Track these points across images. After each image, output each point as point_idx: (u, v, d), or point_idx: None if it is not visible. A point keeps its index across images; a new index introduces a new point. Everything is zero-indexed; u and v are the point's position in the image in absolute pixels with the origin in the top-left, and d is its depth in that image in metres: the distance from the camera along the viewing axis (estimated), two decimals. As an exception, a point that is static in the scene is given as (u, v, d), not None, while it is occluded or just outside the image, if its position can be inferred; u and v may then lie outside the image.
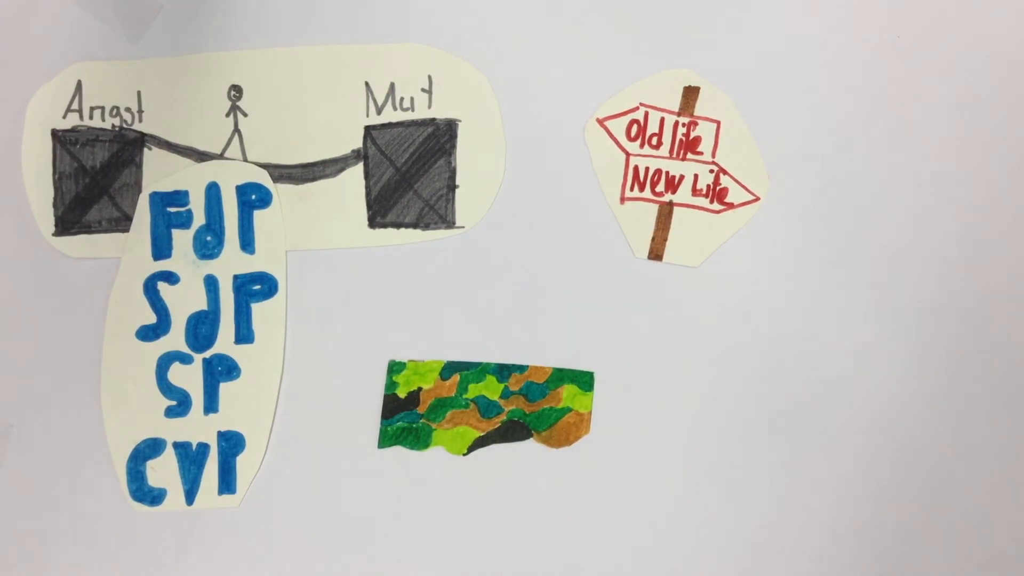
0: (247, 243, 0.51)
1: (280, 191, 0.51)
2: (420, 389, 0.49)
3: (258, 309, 0.50)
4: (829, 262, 0.49)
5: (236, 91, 0.51)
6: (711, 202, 0.50)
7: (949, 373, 0.49)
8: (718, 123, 0.50)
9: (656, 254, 0.50)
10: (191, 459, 0.50)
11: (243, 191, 0.51)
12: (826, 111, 0.50)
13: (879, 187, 0.50)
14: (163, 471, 0.50)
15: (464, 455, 0.49)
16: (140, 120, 0.51)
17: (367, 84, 0.51)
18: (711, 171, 0.50)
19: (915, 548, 0.48)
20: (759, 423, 0.49)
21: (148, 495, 0.49)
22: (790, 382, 0.49)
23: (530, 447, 0.49)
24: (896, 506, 0.48)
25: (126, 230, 0.51)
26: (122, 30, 0.52)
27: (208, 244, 0.51)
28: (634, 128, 0.50)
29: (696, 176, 0.50)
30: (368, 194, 0.51)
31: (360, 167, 0.51)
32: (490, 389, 0.49)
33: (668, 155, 0.50)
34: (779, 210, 0.50)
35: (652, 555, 0.48)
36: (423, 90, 0.51)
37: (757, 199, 0.49)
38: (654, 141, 0.50)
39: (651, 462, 0.49)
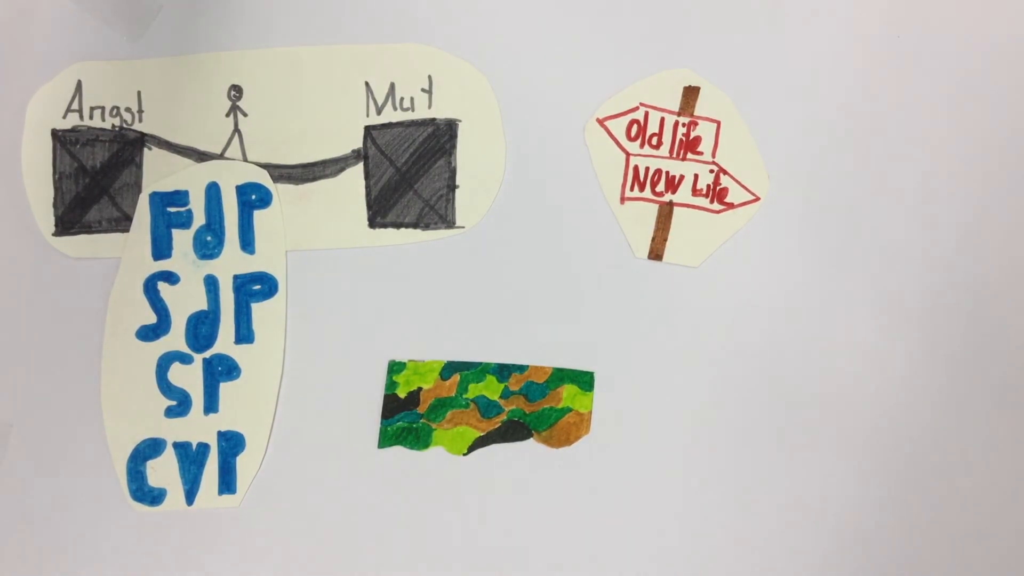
0: (247, 243, 0.51)
1: (280, 191, 0.51)
2: (420, 389, 0.49)
3: (258, 309, 0.50)
4: (829, 262, 0.49)
5: (236, 91, 0.51)
6: (711, 202, 0.50)
7: (950, 372, 0.49)
8: (718, 123, 0.50)
9: (656, 254, 0.50)
10: (191, 459, 0.50)
11: (243, 191, 0.51)
12: (826, 111, 0.50)
13: (879, 187, 0.50)
14: (163, 471, 0.50)
15: (464, 455, 0.49)
16: (140, 120, 0.51)
17: (367, 84, 0.51)
18: (711, 171, 0.50)
19: (917, 547, 0.48)
20: (759, 422, 0.49)
21: (148, 495, 0.49)
22: (790, 382, 0.49)
23: (530, 447, 0.49)
24: (897, 505, 0.48)
25: (126, 230, 0.51)
26: (122, 30, 0.52)
27: (208, 244, 0.51)
28: (634, 128, 0.50)
29: (696, 176, 0.50)
30: (368, 194, 0.51)
31: (360, 167, 0.51)
32: (490, 389, 0.49)
33: (668, 155, 0.50)
34: (779, 210, 0.50)
35: (653, 555, 0.48)
36: (423, 90, 0.51)
37: (757, 199, 0.49)
38: (654, 141, 0.50)
39: (651, 462, 0.49)
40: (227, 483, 0.49)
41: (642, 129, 0.50)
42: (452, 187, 0.51)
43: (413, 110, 0.51)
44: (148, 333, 0.50)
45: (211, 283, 0.50)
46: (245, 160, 0.51)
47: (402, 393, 0.49)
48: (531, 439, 0.49)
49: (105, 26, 0.52)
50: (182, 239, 0.51)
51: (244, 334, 0.50)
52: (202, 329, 0.50)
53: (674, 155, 0.50)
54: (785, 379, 0.49)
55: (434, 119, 0.51)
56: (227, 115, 0.51)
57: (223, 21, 0.52)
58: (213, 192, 0.51)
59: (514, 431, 0.49)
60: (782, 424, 0.49)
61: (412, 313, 0.50)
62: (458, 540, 0.48)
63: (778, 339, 0.49)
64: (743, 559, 0.48)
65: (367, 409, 0.49)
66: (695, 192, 0.50)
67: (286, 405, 0.50)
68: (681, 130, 0.50)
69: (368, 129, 0.51)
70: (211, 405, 0.50)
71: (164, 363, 0.50)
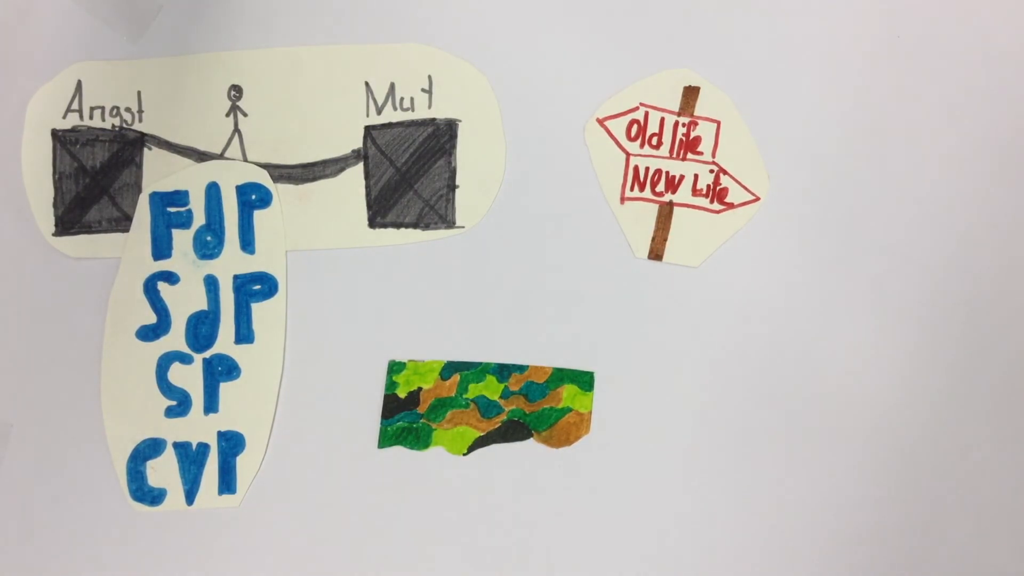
0: (247, 243, 0.51)
1: (280, 191, 0.51)
2: (420, 389, 0.49)
3: (258, 309, 0.50)
4: (829, 262, 0.49)
5: (236, 91, 0.51)
6: (711, 202, 0.50)
7: (949, 372, 0.49)
8: (718, 123, 0.50)
9: (656, 254, 0.50)
10: (191, 459, 0.50)
11: (243, 191, 0.51)
12: (826, 111, 0.50)
13: (879, 187, 0.50)
14: (163, 471, 0.50)
15: (464, 455, 0.49)
16: (140, 120, 0.51)
17: (367, 84, 0.51)
18: (711, 171, 0.50)
19: (917, 546, 0.48)
20: (759, 423, 0.49)
21: (148, 495, 0.49)
22: (790, 382, 0.49)
23: (530, 447, 0.49)
24: (896, 505, 0.48)
25: (126, 230, 0.51)
26: (122, 30, 0.52)
27: (208, 244, 0.51)
28: (634, 128, 0.50)
29: (696, 176, 0.50)
30: (368, 194, 0.51)
31: (360, 167, 0.51)
32: (490, 389, 0.49)
33: (668, 155, 0.50)
34: (779, 210, 0.50)
35: (653, 555, 0.48)
36: (423, 90, 0.51)
37: (757, 199, 0.50)
38: (654, 141, 0.50)
39: (651, 462, 0.49)
40: (227, 483, 0.49)
41: (642, 129, 0.50)
42: (452, 187, 0.51)
43: (413, 110, 0.51)
44: (148, 333, 0.50)
45: (211, 283, 0.50)
46: (245, 160, 0.51)
47: (402, 393, 0.49)
48: (531, 439, 0.49)
49: (105, 26, 0.52)
50: (182, 239, 0.51)
51: (244, 334, 0.50)
52: (202, 329, 0.50)
53: (674, 155, 0.50)
54: (785, 379, 0.49)
55: (434, 119, 0.51)
56: (227, 115, 0.51)
57: (223, 21, 0.52)
58: (213, 192, 0.51)
59: (514, 431, 0.49)
60: (782, 424, 0.49)
61: (412, 313, 0.50)
62: (458, 540, 0.48)
63: (778, 339, 0.49)
64: (743, 559, 0.48)
65: (367, 409, 0.50)
66: (695, 192, 0.50)
67: (286, 405, 0.50)
68: (681, 130, 0.50)
69: (368, 129, 0.51)
70: (211, 405, 0.50)
71: (164, 363, 0.50)
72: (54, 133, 0.52)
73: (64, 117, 0.52)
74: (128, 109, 0.52)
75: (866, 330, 0.49)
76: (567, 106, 0.51)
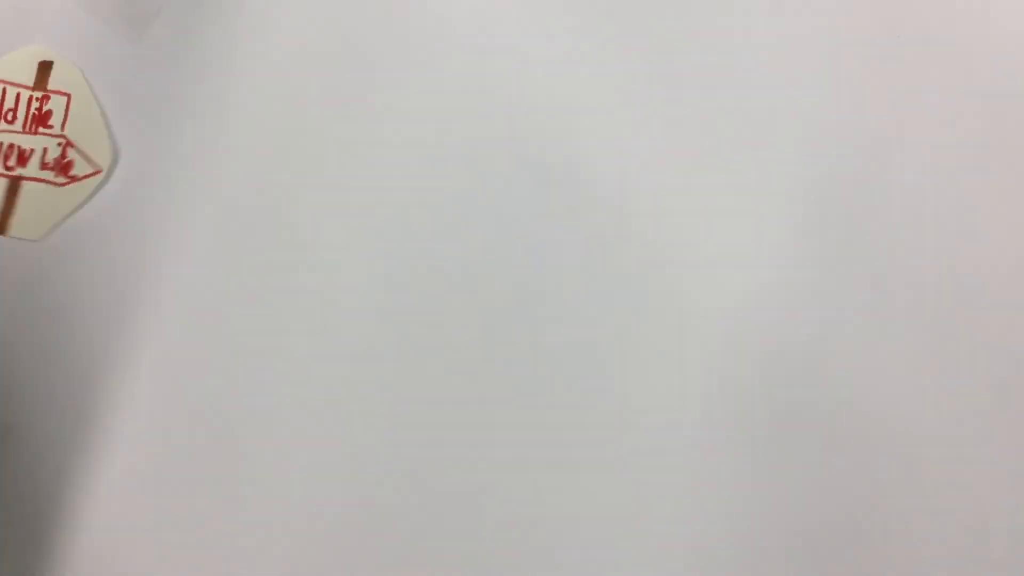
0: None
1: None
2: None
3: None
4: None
5: (235, 91, 0.52)
6: (57, 175, 0.49)
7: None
8: (68, 96, 0.49)
9: (2, 229, 0.49)
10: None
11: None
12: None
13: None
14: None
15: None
16: (140, 120, 0.52)
17: (367, 84, 0.51)
18: (59, 144, 0.49)
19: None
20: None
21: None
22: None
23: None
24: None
25: (125, 230, 0.51)
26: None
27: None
28: None
29: (46, 150, 0.49)
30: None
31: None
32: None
33: (22, 130, 0.49)
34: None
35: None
36: None
37: (100, 171, 0.49)
38: (9, 116, 0.49)
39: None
40: (226, 482, 0.49)
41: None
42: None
43: None
44: (148, 333, 0.50)
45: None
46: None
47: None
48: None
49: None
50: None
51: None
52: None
53: (27, 129, 0.49)
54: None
55: None
56: (225, 115, 0.52)
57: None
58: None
59: None
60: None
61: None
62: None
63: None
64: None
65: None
66: (43, 166, 0.49)
67: (286, 404, 0.50)
68: (35, 104, 0.49)
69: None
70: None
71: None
72: (54, 133, 0.52)
73: (64, 117, 0.52)
74: (128, 109, 0.52)
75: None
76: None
